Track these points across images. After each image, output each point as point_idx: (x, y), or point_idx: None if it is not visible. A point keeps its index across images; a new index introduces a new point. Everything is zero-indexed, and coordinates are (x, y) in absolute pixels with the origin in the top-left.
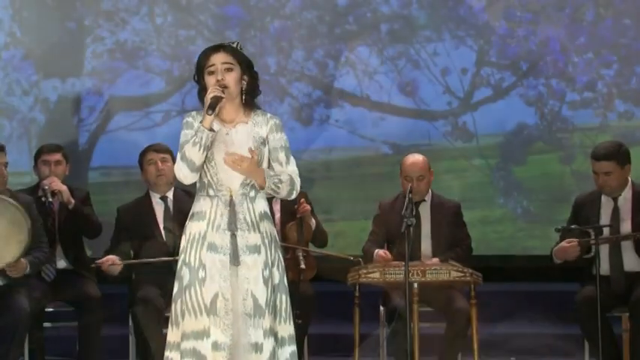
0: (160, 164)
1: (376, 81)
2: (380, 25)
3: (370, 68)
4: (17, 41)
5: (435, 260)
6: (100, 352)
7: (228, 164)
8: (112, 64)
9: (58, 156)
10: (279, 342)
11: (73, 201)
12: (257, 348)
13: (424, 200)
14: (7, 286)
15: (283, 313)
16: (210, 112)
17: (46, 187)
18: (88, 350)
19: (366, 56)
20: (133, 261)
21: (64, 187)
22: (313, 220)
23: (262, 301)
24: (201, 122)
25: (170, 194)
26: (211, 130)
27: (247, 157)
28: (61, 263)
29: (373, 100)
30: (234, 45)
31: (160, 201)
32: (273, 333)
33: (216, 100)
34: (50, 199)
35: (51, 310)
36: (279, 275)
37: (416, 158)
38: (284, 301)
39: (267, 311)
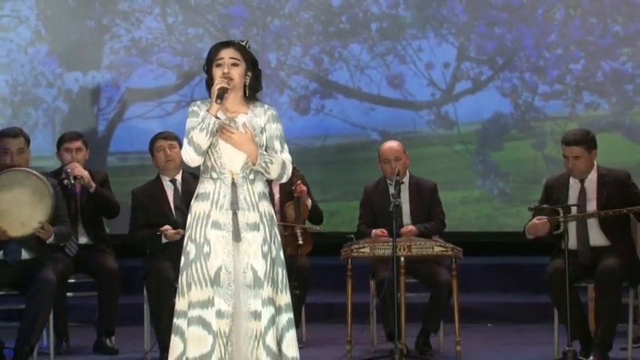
0: (168, 150)
1: (367, 75)
2: (370, 24)
3: (361, 63)
4: (42, 38)
5: (412, 228)
6: (116, 319)
7: (221, 136)
8: (127, 59)
9: (78, 143)
10: (277, 310)
11: (94, 185)
12: (256, 316)
13: (403, 182)
14: (35, 260)
15: (280, 285)
16: (218, 101)
17: (69, 171)
18: (106, 317)
19: (358, 52)
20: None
21: (85, 173)
22: (309, 200)
23: (261, 274)
24: (207, 110)
25: (179, 177)
26: (217, 117)
27: (239, 131)
28: (83, 239)
29: (364, 91)
30: (243, 43)
31: (169, 183)
32: (272, 302)
33: (223, 91)
34: (72, 182)
35: (73, 281)
36: (276, 250)
37: (391, 143)
38: (280, 273)
39: (265, 282)
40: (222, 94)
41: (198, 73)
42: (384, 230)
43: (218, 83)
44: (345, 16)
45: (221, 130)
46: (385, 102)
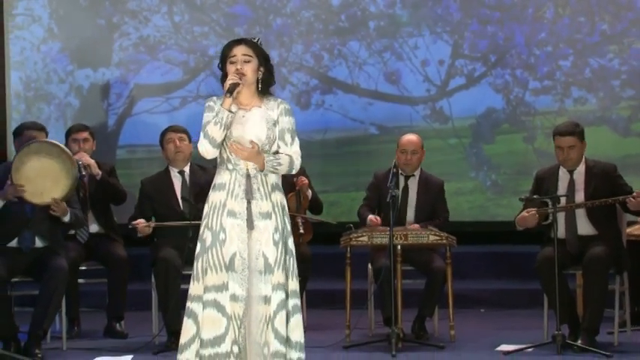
0: (177, 142)
1: (365, 71)
2: (368, 23)
3: (360, 60)
4: (54, 36)
5: (416, 226)
6: (126, 304)
7: (232, 150)
8: (136, 56)
9: (85, 134)
10: (287, 295)
11: (100, 172)
12: (266, 300)
13: (413, 175)
14: (48, 248)
15: (289, 271)
16: (228, 95)
17: (78, 162)
18: (116, 303)
19: (356, 49)
20: (162, 223)
21: (92, 161)
22: (310, 192)
23: (272, 260)
24: (221, 104)
25: (187, 169)
26: (230, 111)
27: (248, 148)
28: (93, 227)
29: (362, 87)
30: (255, 40)
31: (177, 175)
32: (282, 287)
33: (234, 86)
34: (82, 173)
35: (84, 268)
36: (286, 238)
37: (412, 136)
38: (290, 260)
39: (275, 268)
40: (233, 89)
41: (203, 70)
42: (378, 217)
43: (230, 79)
44: (345, 15)
45: (232, 148)
46: (383, 97)
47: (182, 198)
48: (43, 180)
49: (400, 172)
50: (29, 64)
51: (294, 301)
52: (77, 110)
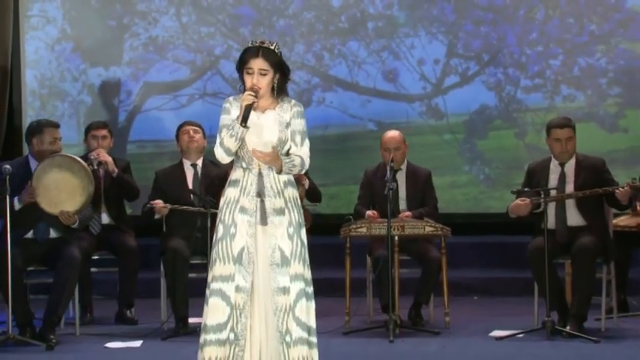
0: (191, 133)
1: (364, 70)
2: (367, 23)
3: (359, 59)
4: (68, 36)
5: (408, 214)
6: (135, 292)
7: (255, 157)
8: (145, 55)
9: (104, 131)
10: (306, 284)
11: (116, 170)
12: (285, 291)
13: (400, 169)
14: (62, 239)
15: (304, 262)
16: (243, 124)
17: (93, 158)
18: (126, 291)
19: (356, 49)
20: (176, 206)
21: (109, 159)
22: (307, 181)
23: (288, 253)
24: (237, 118)
25: (199, 162)
26: (245, 126)
27: (270, 152)
28: (105, 219)
29: (361, 85)
30: (272, 47)
31: (190, 167)
32: (302, 278)
33: (250, 107)
34: (97, 167)
35: (96, 258)
36: (300, 231)
37: (394, 133)
38: (304, 252)
39: (292, 260)
40: (247, 114)
41: (210, 69)
42: (375, 212)
43: (245, 100)
44: (344, 16)
45: (255, 154)
46: (381, 95)
47: (191, 191)
48: (60, 192)
49: (387, 167)
50: (44, 63)
51: (309, 289)
52: (90, 107)
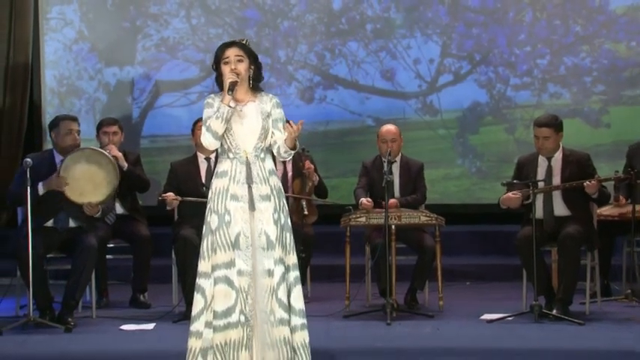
0: None
1: (363, 69)
2: (366, 25)
3: (358, 59)
4: (84, 37)
5: (394, 200)
6: (149, 278)
7: (289, 131)
8: (158, 55)
9: (115, 128)
10: (286, 269)
11: (126, 164)
12: (269, 273)
13: (395, 160)
14: (80, 228)
15: (288, 247)
16: (230, 92)
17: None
18: (140, 276)
19: (355, 49)
20: (187, 198)
21: (119, 154)
22: (317, 177)
23: (273, 238)
24: (221, 101)
25: (213, 156)
26: (230, 106)
27: (299, 128)
28: (120, 210)
29: (361, 83)
30: (244, 41)
31: (204, 161)
32: (282, 262)
33: (234, 84)
34: None
35: (112, 245)
36: (284, 217)
37: (390, 126)
38: (288, 237)
39: (276, 245)
40: (233, 87)
41: None
42: (370, 200)
43: (229, 78)
44: (345, 18)
45: (288, 128)
46: (379, 92)
47: (203, 184)
48: (86, 183)
49: (383, 159)
50: (62, 63)
51: (295, 273)
52: (105, 104)
